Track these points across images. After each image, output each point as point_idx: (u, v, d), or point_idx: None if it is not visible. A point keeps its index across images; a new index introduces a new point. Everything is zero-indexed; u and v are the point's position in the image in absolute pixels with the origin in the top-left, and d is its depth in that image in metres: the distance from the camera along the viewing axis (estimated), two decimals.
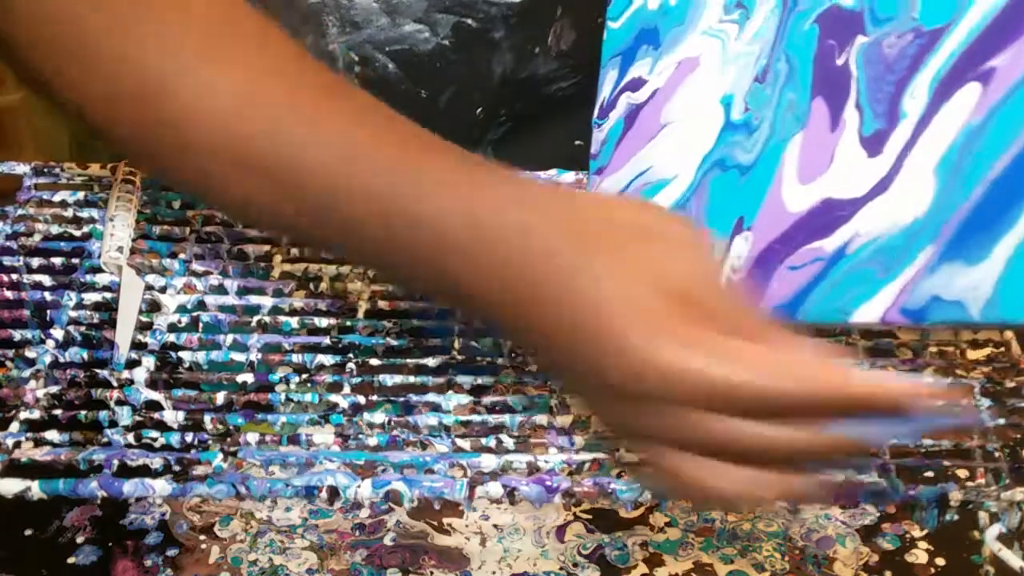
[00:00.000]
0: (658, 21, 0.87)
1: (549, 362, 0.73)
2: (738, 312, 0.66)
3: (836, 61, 0.80)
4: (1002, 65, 0.74)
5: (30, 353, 0.85)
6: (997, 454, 0.80)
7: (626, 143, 0.88)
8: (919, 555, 1.03)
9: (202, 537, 1.05)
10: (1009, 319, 0.74)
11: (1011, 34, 0.74)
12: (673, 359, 0.62)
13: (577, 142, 1.28)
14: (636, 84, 0.88)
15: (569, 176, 1.01)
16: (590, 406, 0.75)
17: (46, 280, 0.90)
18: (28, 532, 1.05)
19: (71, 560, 1.04)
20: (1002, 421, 0.81)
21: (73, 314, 0.88)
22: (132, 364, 0.84)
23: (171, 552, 1.05)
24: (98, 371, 0.84)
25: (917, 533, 1.04)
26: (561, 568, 1.03)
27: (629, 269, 0.65)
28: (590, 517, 1.07)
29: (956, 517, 0.82)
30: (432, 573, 1.03)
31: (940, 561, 1.02)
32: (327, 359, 0.87)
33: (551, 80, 1.18)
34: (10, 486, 0.76)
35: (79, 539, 1.05)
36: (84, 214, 0.95)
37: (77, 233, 0.94)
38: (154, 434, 0.80)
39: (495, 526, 1.05)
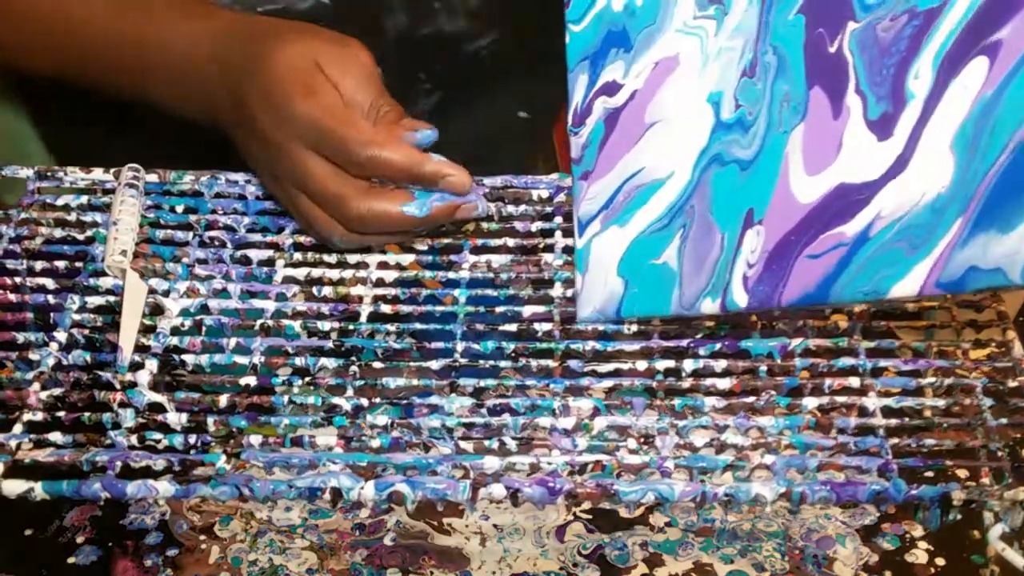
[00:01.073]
0: (625, 22, 0.86)
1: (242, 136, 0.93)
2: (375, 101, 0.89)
3: (829, 49, 0.79)
4: (1008, 37, 0.74)
5: (33, 356, 0.85)
6: (1000, 453, 0.80)
7: (611, 146, 0.87)
8: (919, 555, 1.03)
9: (202, 537, 1.06)
10: None
11: (1013, 5, 0.74)
12: (312, 114, 0.86)
13: (521, 113, 1.28)
14: (611, 88, 0.87)
15: (570, 180, 1.01)
16: (261, 168, 0.94)
17: (49, 283, 0.90)
18: (28, 532, 1.05)
19: (71, 560, 1.04)
20: (1004, 421, 0.82)
21: (76, 317, 0.88)
22: (135, 367, 0.84)
23: (171, 552, 1.05)
24: (101, 373, 0.84)
25: (917, 533, 1.04)
26: (561, 568, 1.03)
27: (296, 56, 0.88)
28: (590, 517, 1.07)
29: (959, 517, 0.82)
30: (432, 573, 1.03)
31: (940, 561, 1.02)
32: (330, 362, 0.87)
33: (465, 38, 1.18)
34: (14, 487, 0.76)
35: (79, 539, 1.05)
36: (87, 218, 0.95)
37: (80, 237, 0.94)
38: (157, 436, 0.80)
39: (495, 526, 1.05)
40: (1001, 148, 0.75)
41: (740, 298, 0.83)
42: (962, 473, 0.81)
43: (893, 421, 0.82)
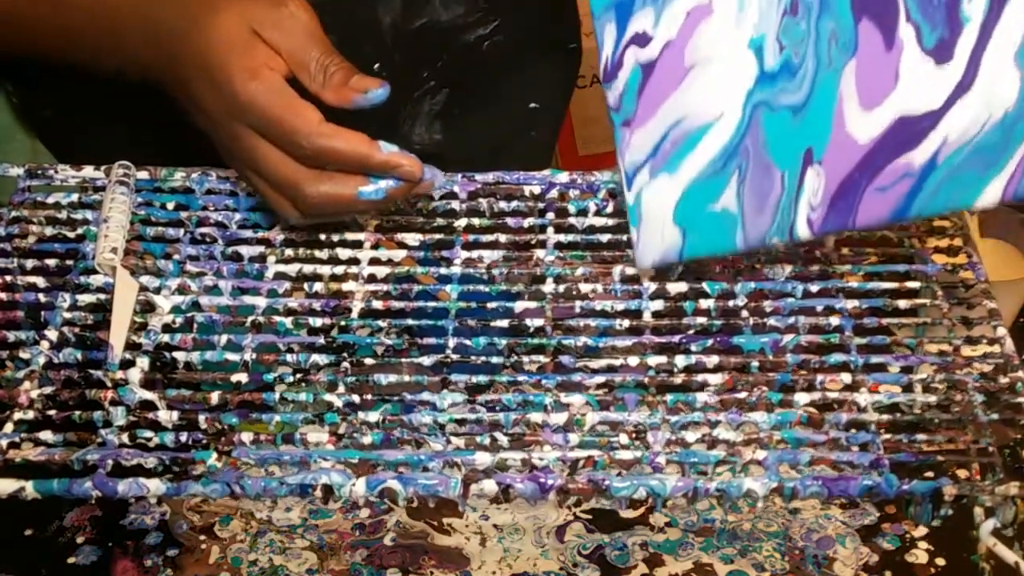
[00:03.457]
0: None
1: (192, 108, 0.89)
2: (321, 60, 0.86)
3: None
4: None
5: (24, 354, 0.85)
6: (991, 449, 0.80)
7: (650, 91, 0.85)
8: (919, 555, 1.03)
9: (202, 537, 1.06)
10: None
11: None
12: (256, 102, 0.83)
13: (532, 104, 1.27)
14: (642, 39, 0.84)
15: (563, 176, 1.01)
16: (216, 143, 0.90)
17: (40, 281, 0.90)
18: (28, 532, 1.05)
19: (71, 560, 1.04)
20: (996, 417, 0.81)
21: (67, 315, 0.88)
22: (126, 364, 0.84)
23: (171, 552, 1.05)
24: (92, 372, 0.84)
25: (917, 533, 1.04)
26: (561, 568, 1.03)
27: (232, 24, 0.85)
28: (590, 517, 1.07)
29: (951, 512, 0.81)
30: (432, 573, 1.03)
31: (940, 561, 1.02)
32: (322, 359, 0.87)
33: (466, 28, 1.16)
34: (4, 486, 0.76)
35: (79, 539, 1.06)
36: (78, 216, 0.95)
37: (71, 235, 0.94)
38: (148, 434, 0.80)
39: (495, 526, 1.05)
40: None
41: (807, 235, 0.83)
42: (954, 469, 0.80)
43: (885, 417, 0.82)
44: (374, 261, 0.94)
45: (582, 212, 0.98)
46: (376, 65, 1.13)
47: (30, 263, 0.91)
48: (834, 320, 0.89)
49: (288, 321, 0.89)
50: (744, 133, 0.83)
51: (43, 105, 1.21)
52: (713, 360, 0.86)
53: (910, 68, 0.79)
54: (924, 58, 0.78)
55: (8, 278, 0.90)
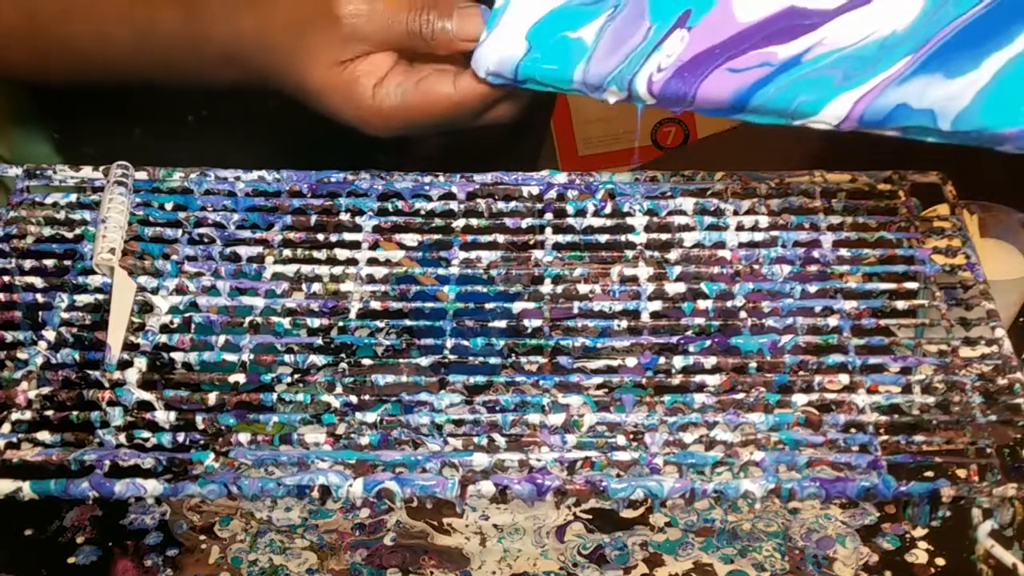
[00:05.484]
0: None
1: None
2: None
3: None
4: None
5: (22, 354, 0.85)
6: (989, 450, 0.79)
7: None
8: (919, 555, 1.03)
9: (202, 537, 1.06)
10: (986, 126, 0.75)
11: None
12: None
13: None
14: None
15: (561, 177, 1.00)
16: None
17: (38, 282, 0.90)
18: (28, 532, 1.06)
19: (71, 560, 1.04)
20: (994, 418, 0.81)
21: (65, 315, 0.88)
22: (124, 365, 0.84)
23: (171, 552, 1.05)
24: (90, 372, 0.84)
25: (917, 533, 1.04)
26: (561, 568, 1.03)
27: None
28: (590, 517, 1.07)
29: (948, 513, 0.81)
30: (432, 573, 1.03)
31: (940, 561, 1.02)
32: (319, 359, 0.87)
33: None
34: (2, 487, 0.76)
35: (79, 539, 1.06)
36: (76, 216, 0.95)
37: (69, 235, 0.94)
38: (146, 434, 0.80)
39: (495, 526, 1.05)
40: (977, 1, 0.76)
41: (644, 93, 0.82)
42: (952, 470, 0.80)
43: (883, 418, 0.82)
44: (372, 261, 0.94)
45: (580, 212, 0.98)
46: None
47: (28, 263, 0.91)
48: (832, 321, 0.88)
49: (286, 321, 0.89)
50: None
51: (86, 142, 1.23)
52: (711, 361, 0.86)
53: None
54: None
55: (6, 278, 0.90)
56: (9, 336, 0.86)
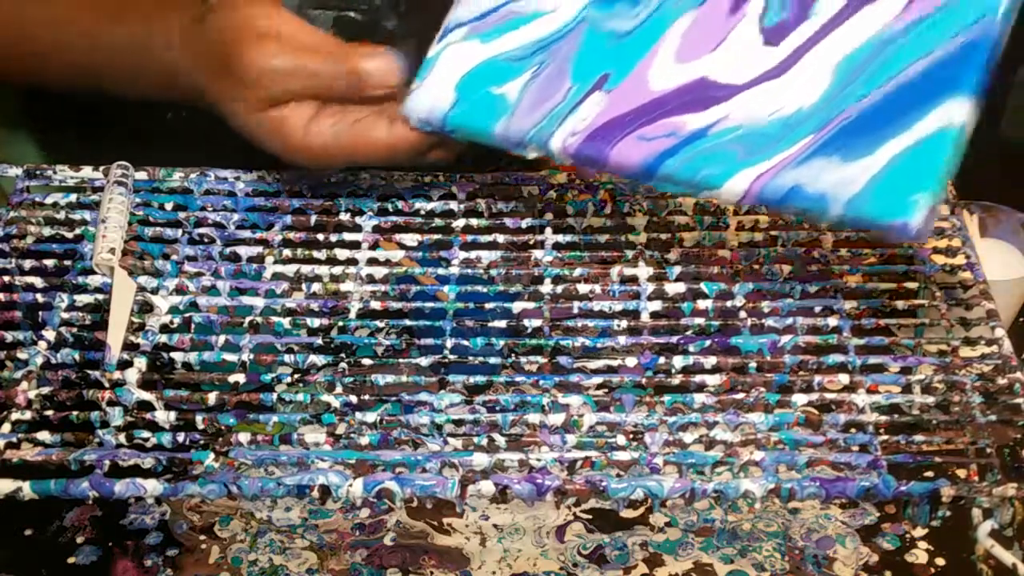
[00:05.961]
0: None
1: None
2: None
3: None
4: None
5: (22, 354, 0.85)
6: (989, 450, 0.79)
7: None
8: (919, 555, 1.03)
9: (202, 537, 1.06)
10: (874, 217, 0.74)
11: None
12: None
13: None
14: None
15: (561, 176, 1.00)
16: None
17: (38, 282, 0.90)
18: (28, 532, 1.05)
19: (71, 560, 1.04)
20: (994, 418, 0.81)
21: (65, 315, 0.88)
22: (124, 365, 0.84)
23: (171, 552, 1.05)
24: (90, 372, 0.84)
25: (917, 533, 1.04)
26: (561, 568, 1.03)
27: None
28: (590, 517, 1.07)
29: (948, 513, 0.81)
30: (432, 573, 1.03)
31: (940, 561, 1.02)
32: (319, 359, 0.87)
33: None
34: (2, 487, 0.76)
35: (79, 539, 1.06)
36: (76, 216, 0.95)
37: (69, 235, 0.94)
38: (146, 434, 0.80)
39: (495, 526, 1.05)
40: (882, 82, 0.76)
41: (560, 153, 0.83)
42: (952, 470, 0.80)
43: (883, 417, 0.81)
44: (372, 261, 0.94)
45: (580, 212, 0.98)
46: None
47: (28, 263, 0.91)
48: (832, 321, 0.88)
49: (286, 321, 0.89)
50: (564, 36, 0.84)
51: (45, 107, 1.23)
52: (711, 361, 0.86)
53: (739, 38, 0.79)
54: (757, 34, 0.79)
55: (6, 278, 0.90)
56: (9, 336, 0.86)
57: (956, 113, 0.74)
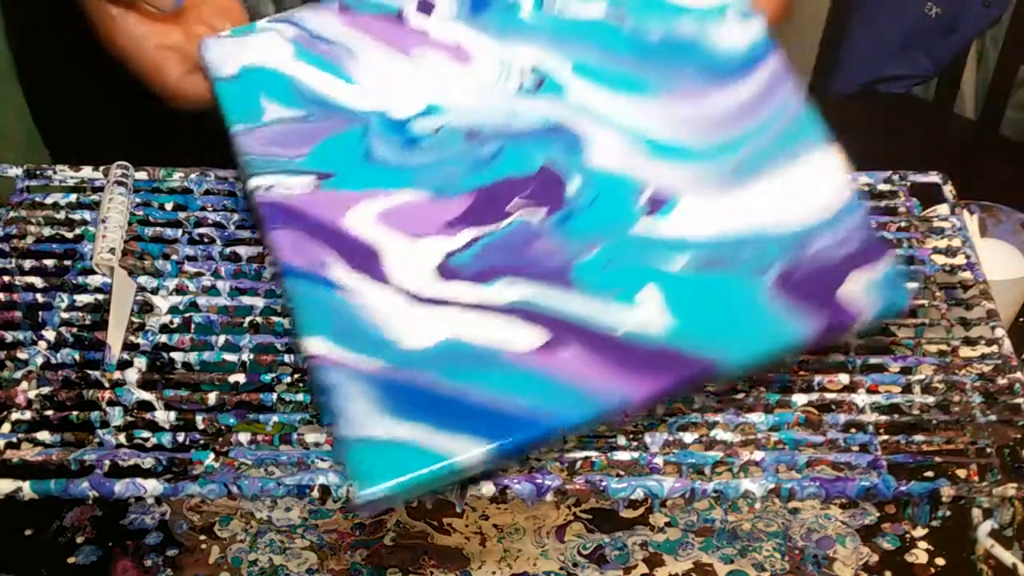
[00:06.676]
0: None
1: None
2: None
3: None
4: None
5: (22, 354, 0.85)
6: (989, 450, 0.79)
7: None
8: (919, 555, 1.03)
9: (202, 537, 1.06)
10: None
11: None
12: None
13: None
14: None
15: None
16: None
17: (38, 282, 0.90)
18: (28, 532, 1.06)
19: (71, 560, 1.04)
20: (994, 418, 0.81)
21: (65, 315, 0.88)
22: (124, 365, 0.84)
23: (171, 552, 1.05)
24: (90, 372, 0.84)
25: (917, 533, 1.04)
26: (561, 568, 1.03)
27: None
28: (590, 517, 1.07)
29: (948, 513, 0.81)
30: (432, 573, 1.03)
31: (940, 561, 1.02)
32: None
33: None
34: (2, 487, 0.76)
35: (79, 539, 1.06)
36: (76, 216, 0.95)
37: (69, 235, 0.94)
38: (146, 434, 0.80)
39: (495, 526, 1.05)
40: None
41: (254, 194, 0.84)
42: (952, 470, 0.80)
43: (883, 417, 0.81)
44: None
45: None
46: None
47: (28, 263, 0.91)
48: None
49: (286, 321, 0.89)
50: (342, 113, 0.85)
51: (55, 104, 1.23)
52: None
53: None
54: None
55: (6, 278, 0.90)
56: (9, 336, 0.86)
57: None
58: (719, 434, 0.81)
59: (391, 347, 0.73)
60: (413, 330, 0.74)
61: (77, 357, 0.85)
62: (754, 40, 0.81)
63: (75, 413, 0.81)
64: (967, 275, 0.93)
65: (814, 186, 0.76)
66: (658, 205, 0.76)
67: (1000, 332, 0.87)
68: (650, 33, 0.83)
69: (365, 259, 0.77)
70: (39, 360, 0.85)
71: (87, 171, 0.98)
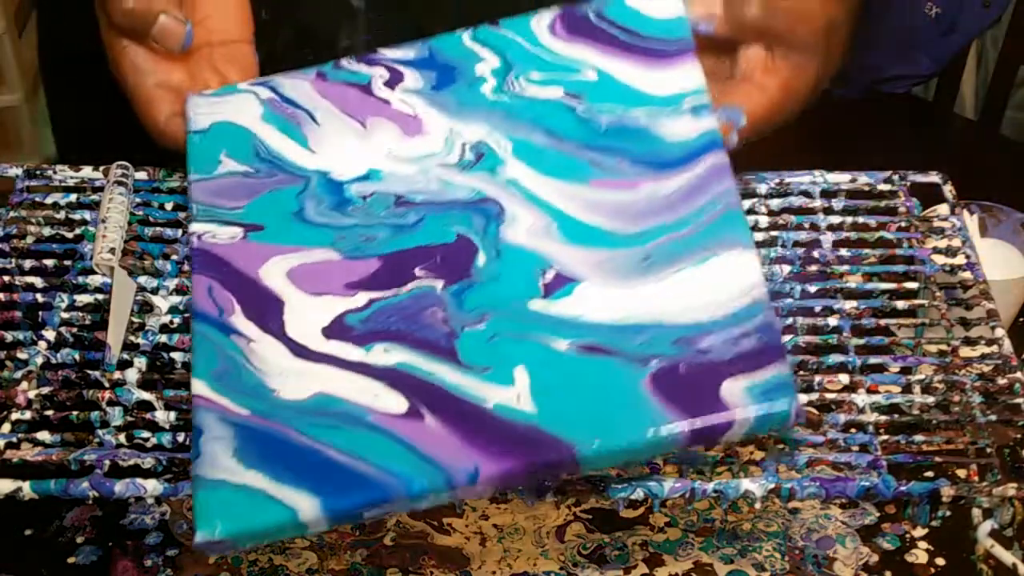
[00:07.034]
0: None
1: None
2: None
3: None
4: None
5: (22, 354, 0.85)
6: (989, 450, 0.79)
7: None
8: (919, 555, 1.03)
9: None
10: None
11: None
12: None
13: None
14: None
15: None
16: None
17: (38, 282, 0.90)
18: (28, 532, 1.06)
19: (71, 560, 1.04)
20: (994, 418, 0.81)
21: (65, 315, 0.88)
22: (124, 365, 0.84)
23: (171, 552, 1.05)
24: (90, 372, 0.84)
25: (917, 533, 1.04)
26: (561, 568, 1.03)
27: None
28: (590, 517, 1.07)
29: (948, 513, 0.81)
30: (432, 573, 1.03)
31: (940, 561, 1.02)
32: None
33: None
34: (2, 487, 0.76)
35: (79, 539, 1.06)
36: (76, 216, 0.95)
37: (69, 235, 0.94)
38: (146, 434, 0.80)
39: (495, 526, 1.05)
40: None
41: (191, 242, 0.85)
42: (952, 470, 0.80)
43: (883, 417, 0.81)
44: None
45: None
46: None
47: (28, 263, 0.91)
48: (832, 320, 0.88)
49: None
50: (297, 176, 0.86)
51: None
52: None
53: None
54: None
55: (6, 278, 0.90)
56: (9, 336, 0.86)
57: None
58: None
59: (268, 397, 0.74)
60: (292, 382, 0.75)
61: (77, 357, 0.85)
62: (703, 132, 0.81)
63: (75, 413, 0.81)
64: (967, 275, 0.92)
65: (720, 284, 0.75)
66: (558, 285, 0.76)
67: (1000, 332, 0.87)
68: (601, 118, 0.83)
69: (266, 311, 0.78)
70: (39, 360, 0.85)
71: (87, 171, 0.98)
